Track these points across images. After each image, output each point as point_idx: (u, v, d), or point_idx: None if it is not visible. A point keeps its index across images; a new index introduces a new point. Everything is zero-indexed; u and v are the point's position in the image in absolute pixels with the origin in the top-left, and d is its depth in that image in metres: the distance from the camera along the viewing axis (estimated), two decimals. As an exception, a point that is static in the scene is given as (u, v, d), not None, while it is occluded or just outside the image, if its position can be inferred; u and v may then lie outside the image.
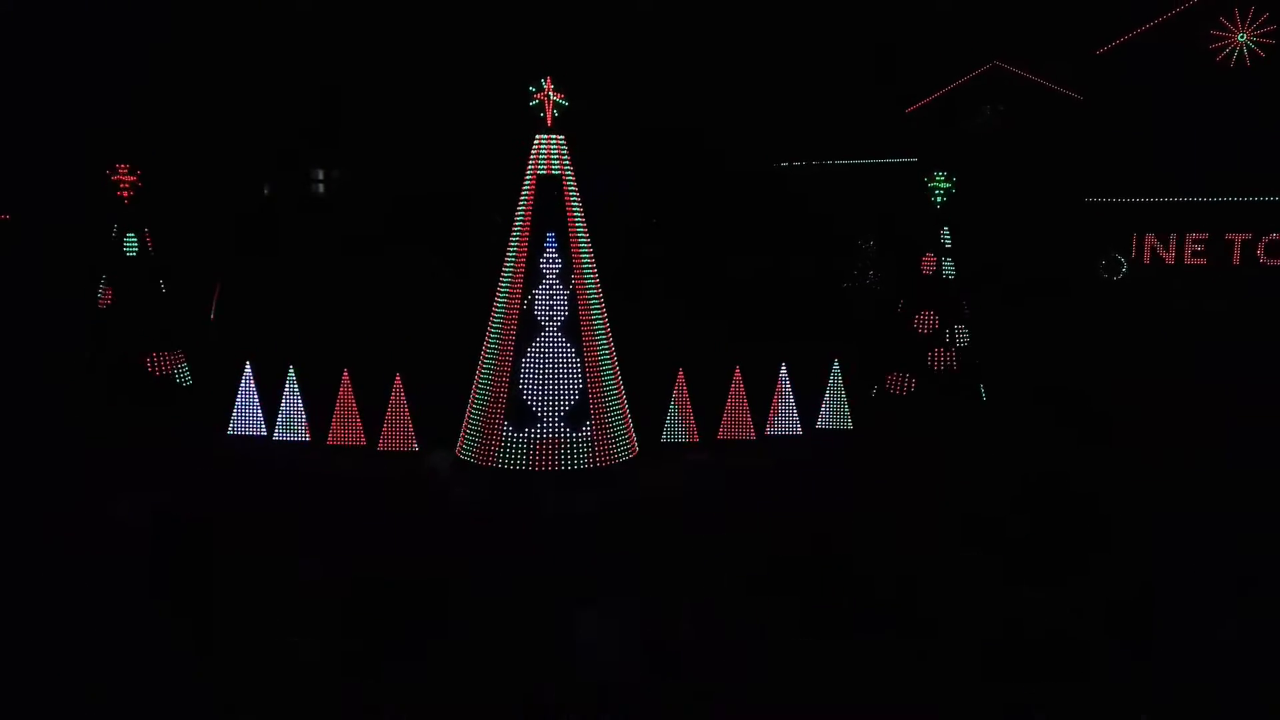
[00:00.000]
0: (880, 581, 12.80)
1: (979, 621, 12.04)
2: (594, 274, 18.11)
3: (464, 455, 17.97)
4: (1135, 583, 13.01)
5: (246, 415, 19.10)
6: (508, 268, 17.95)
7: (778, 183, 37.62)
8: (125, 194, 19.41)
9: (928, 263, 22.50)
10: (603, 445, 17.57)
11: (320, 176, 44.73)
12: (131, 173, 19.34)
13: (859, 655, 11.10)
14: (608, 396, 17.83)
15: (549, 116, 17.72)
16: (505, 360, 17.50)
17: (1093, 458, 17.92)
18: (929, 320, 22.30)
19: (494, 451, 17.38)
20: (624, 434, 18.16)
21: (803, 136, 37.76)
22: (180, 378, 20.96)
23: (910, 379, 22.28)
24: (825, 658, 11.04)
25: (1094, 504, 15.55)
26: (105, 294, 20.00)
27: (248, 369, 19.02)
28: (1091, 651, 11.34)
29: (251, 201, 38.96)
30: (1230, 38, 28.04)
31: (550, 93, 17.65)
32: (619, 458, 17.84)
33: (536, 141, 17.77)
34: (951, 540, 14.40)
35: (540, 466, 17.13)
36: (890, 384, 22.63)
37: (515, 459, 17.17)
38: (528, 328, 17.34)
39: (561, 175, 17.76)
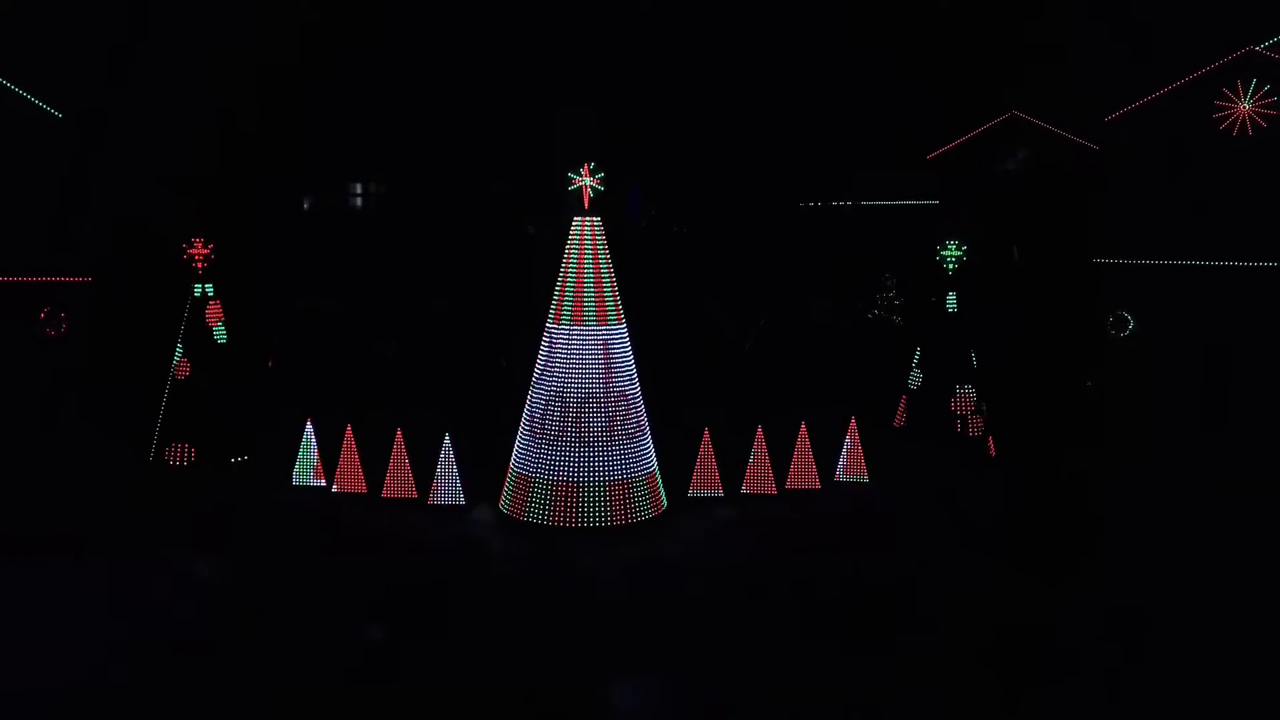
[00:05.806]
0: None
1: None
2: (624, 334, 19.57)
3: (504, 509, 19.59)
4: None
5: (307, 468, 20.99)
6: (548, 327, 19.43)
7: (800, 224, 38.85)
8: (199, 265, 21.18)
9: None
10: (630, 503, 19.03)
11: (358, 190, 45.97)
12: (205, 245, 21.08)
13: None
14: (638, 455, 19.30)
15: (585, 200, 19.27)
16: (541, 419, 19.03)
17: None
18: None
19: (526, 507, 18.97)
20: (652, 492, 19.63)
21: (824, 178, 38.99)
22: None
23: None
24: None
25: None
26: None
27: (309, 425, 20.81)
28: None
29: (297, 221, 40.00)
30: (1234, 108, 29.15)
31: (588, 178, 19.20)
32: (645, 515, 19.29)
33: (574, 224, 19.29)
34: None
35: (570, 523, 18.63)
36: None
37: (545, 515, 18.74)
38: (563, 392, 18.89)
39: (595, 255, 19.27)
